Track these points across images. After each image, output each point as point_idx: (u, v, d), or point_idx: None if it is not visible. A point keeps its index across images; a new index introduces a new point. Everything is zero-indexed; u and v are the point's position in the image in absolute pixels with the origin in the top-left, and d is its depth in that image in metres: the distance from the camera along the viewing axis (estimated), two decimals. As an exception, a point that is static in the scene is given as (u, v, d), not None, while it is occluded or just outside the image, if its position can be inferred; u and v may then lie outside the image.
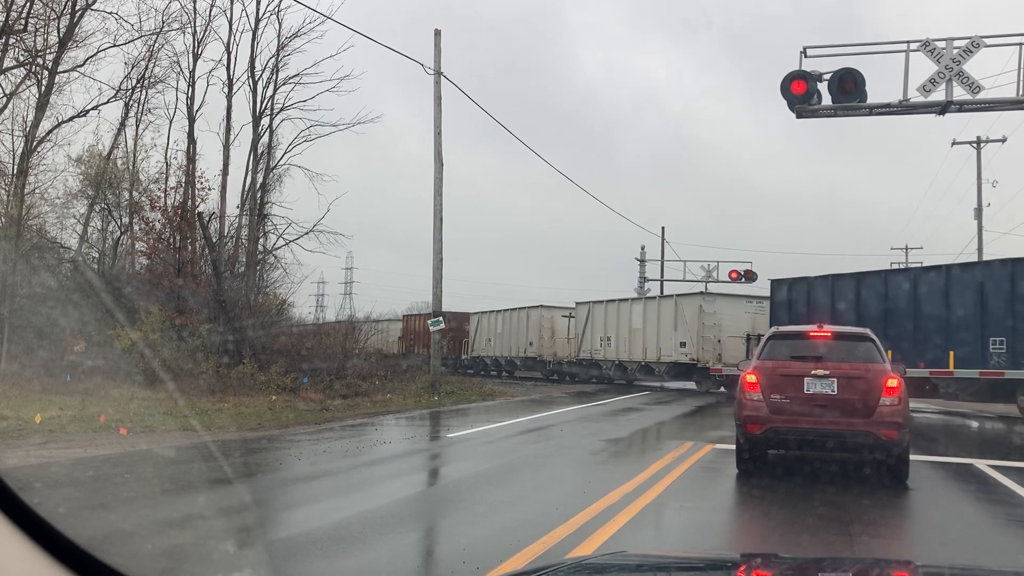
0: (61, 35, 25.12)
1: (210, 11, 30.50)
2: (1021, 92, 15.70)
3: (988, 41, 15.85)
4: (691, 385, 31.68)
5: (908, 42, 16.01)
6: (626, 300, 35.86)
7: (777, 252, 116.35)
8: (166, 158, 31.15)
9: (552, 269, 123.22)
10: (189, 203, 27.17)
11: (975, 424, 21.08)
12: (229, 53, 30.17)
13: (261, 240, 31.20)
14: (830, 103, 16.11)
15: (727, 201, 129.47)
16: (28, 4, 23.80)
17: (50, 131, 26.95)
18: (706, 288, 38.06)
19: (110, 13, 28.33)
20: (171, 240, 25.54)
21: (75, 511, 7.63)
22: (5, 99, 25.26)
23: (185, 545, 6.66)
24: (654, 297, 37.72)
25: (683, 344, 31.06)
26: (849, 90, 15.79)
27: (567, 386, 34.03)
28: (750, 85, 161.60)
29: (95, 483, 9.51)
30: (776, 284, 26.63)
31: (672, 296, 33.76)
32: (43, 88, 25.26)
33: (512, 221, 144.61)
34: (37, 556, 1.82)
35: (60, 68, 25.60)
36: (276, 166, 31.35)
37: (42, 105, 25.20)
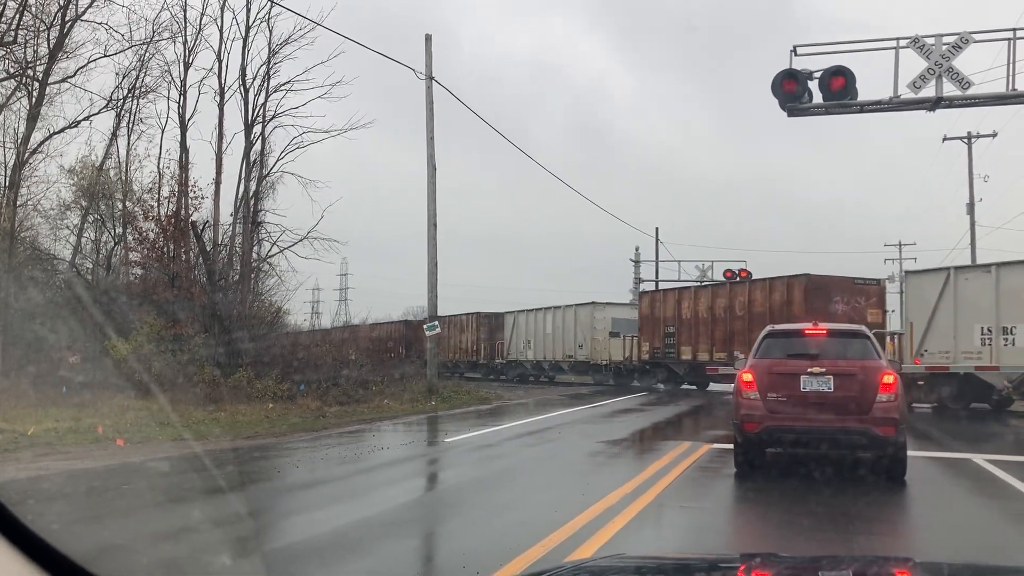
0: (51, 46, 25.07)
1: (200, 20, 30.35)
2: (1010, 86, 15.76)
3: (977, 36, 15.89)
4: None
5: (898, 39, 16.06)
6: None
7: (767, 251, 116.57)
8: (159, 167, 30.97)
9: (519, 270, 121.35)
10: (183, 212, 27.09)
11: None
12: (220, 61, 30.07)
13: (255, 248, 31.04)
14: (821, 101, 16.16)
15: (714, 200, 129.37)
16: (18, 15, 23.76)
17: (42, 142, 26.94)
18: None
19: (100, 24, 28.11)
20: (165, 250, 25.46)
21: (69, 525, 7.59)
22: (-4, 111, 25.23)
23: (181, 557, 6.62)
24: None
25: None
26: (839, 88, 15.83)
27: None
28: (742, 88, 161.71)
29: (89, 496, 9.46)
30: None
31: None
32: (34, 99, 25.23)
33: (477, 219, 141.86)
34: (32, 572, 1.81)
35: (51, 79, 25.57)
36: (269, 173, 31.21)
37: (33, 116, 25.16)
